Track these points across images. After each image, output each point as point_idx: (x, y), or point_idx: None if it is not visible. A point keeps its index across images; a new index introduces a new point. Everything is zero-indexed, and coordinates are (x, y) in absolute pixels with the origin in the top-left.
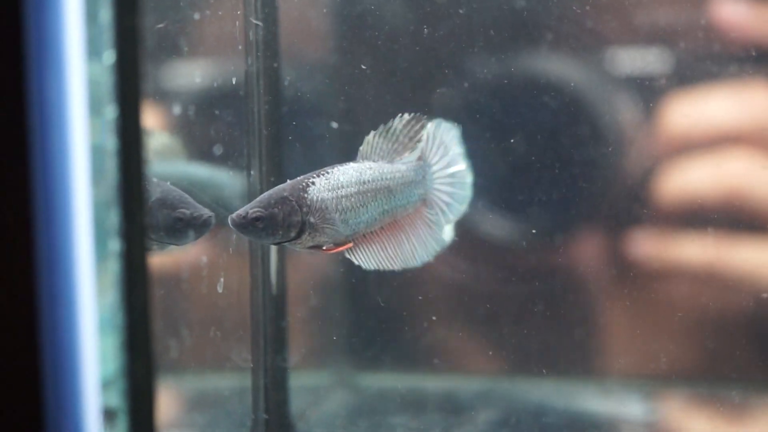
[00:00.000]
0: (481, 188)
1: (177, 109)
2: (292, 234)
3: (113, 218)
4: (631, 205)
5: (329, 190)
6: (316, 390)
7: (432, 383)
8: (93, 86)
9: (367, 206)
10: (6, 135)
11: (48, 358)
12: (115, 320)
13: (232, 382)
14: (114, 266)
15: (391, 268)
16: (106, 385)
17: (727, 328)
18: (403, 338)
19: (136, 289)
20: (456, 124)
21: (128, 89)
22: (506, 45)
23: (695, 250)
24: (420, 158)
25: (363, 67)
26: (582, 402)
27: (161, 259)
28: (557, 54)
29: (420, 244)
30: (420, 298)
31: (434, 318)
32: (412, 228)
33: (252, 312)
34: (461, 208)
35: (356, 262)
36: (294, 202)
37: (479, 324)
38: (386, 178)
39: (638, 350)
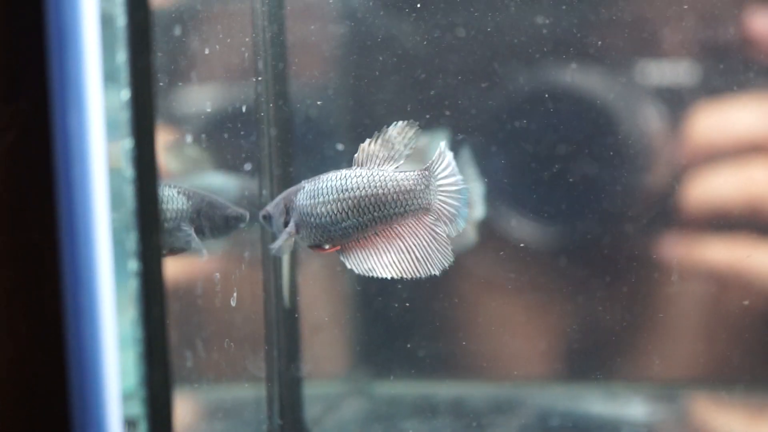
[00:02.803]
0: (505, 194)
1: (191, 132)
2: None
3: (131, 240)
4: (658, 210)
5: (309, 198)
6: (330, 398)
7: (442, 390)
8: (111, 120)
9: (348, 213)
10: (34, 165)
11: (74, 371)
12: (135, 334)
13: (248, 392)
14: (133, 284)
15: (386, 275)
16: (127, 396)
17: (742, 331)
18: (413, 347)
19: (153, 305)
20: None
21: (142, 123)
22: (534, 59)
23: (720, 254)
24: (426, 168)
25: (359, 81)
26: (587, 405)
27: (177, 275)
28: (586, 66)
29: (423, 255)
30: (430, 306)
31: (443, 326)
32: (414, 238)
33: (266, 324)
34: (462, 224)
35: (348, 266)
36: (283, 206)
37: (489, 331)
38: (375, 186)
39: (659, 353)
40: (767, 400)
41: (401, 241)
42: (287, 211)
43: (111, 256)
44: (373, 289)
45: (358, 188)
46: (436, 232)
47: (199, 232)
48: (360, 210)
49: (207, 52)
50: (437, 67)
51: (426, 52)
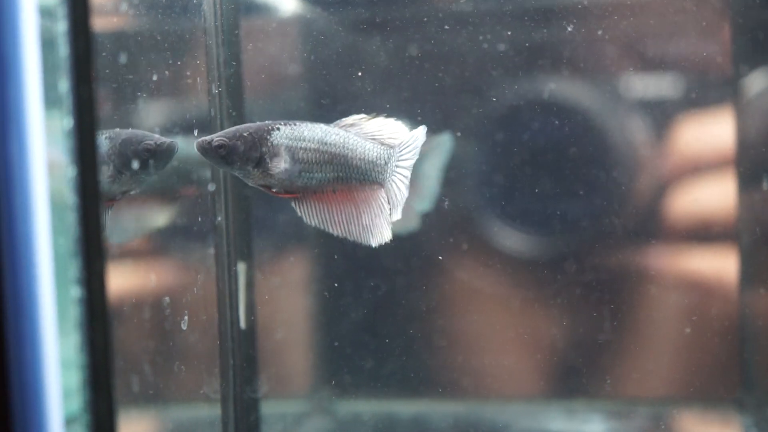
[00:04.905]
0: (495, 205)
1: None
2: (249, 168)
3: (74, 267)
4: (643, 221)
5: (291, 139)
6: (291, 417)
7: (404, 407)
8: (52, 145)
9: (321, 166)
10: None
11: (16, 396)
12: (78, 361)
13: (203, 412)
14: (76, 312)
15: (332, 232)
16: (70, 420)
17: (706, 347)
18: (376, 365)
19: (97, 332)
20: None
21: (85, 151)
22: (516, 71)
23: (703, 265)
24: (393, 147)
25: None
26: (546, 422)
27: (124, 299)
28: (572, 79)
29: (367, 224)
30: (391, 323)
31: (404, 344)
32: (365, 206)
33: (221, 346)
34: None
35: (299, 213)
36: (256, 140)
37: (452, 348)
38: (347, 147)
39: (620, 370)
40: (726, 417)
41: (353, 205)
42: (260, 145)
43: (53, 283)
44: (335, 305)
45: (335, 145)
46: (384, 209)
47: (119, 172)
48: (332, 166)
49: (155, 78)
50: (405, 82)
51: (391, 69)
